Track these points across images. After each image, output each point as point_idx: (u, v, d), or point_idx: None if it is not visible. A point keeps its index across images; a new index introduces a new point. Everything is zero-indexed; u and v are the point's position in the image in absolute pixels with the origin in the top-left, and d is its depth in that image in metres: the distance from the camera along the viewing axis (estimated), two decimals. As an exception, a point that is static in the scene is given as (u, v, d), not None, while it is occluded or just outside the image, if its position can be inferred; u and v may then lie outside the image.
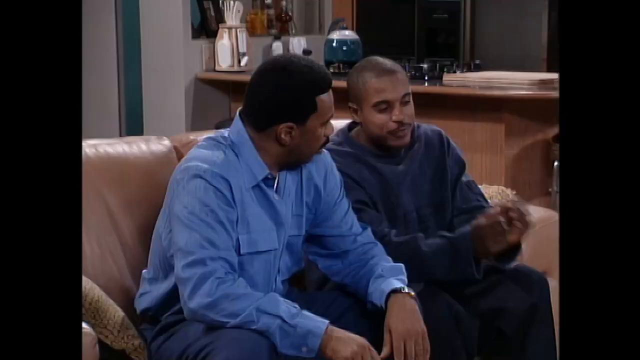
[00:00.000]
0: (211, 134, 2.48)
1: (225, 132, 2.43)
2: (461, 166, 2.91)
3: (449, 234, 2.73)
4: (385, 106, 2.71)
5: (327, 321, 2.25)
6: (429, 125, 2.91)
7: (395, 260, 2.54)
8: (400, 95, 2.71)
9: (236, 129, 2.41)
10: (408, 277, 2.51)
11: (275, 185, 2.44)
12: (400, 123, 2.71)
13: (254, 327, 2.21)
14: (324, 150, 2.51)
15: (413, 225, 2.79)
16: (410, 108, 2.75)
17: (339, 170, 2.67)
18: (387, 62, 2.76)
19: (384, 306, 2.40)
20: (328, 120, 2.39)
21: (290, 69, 2.34)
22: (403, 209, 2.79)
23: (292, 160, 2.42)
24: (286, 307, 2.25)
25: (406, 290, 2.42)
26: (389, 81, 2.71)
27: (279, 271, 2.47)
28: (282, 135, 2.35)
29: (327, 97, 2.37)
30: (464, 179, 2.91)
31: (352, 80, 2.77)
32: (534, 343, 2.71)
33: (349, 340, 2.23)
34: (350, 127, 2.85)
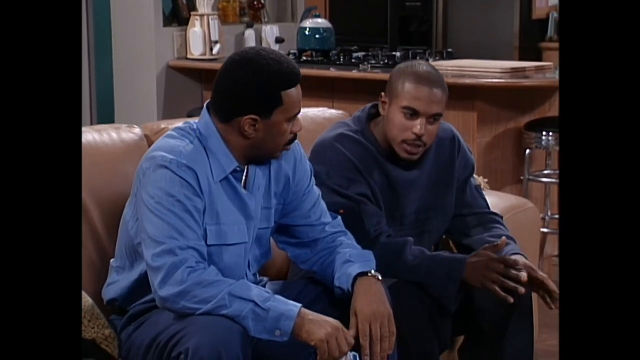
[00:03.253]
0: (182, 123, 2.47)
1: (193, 123, 2.42)
2: (470, 168, 2.88)
3: (445, 253, 2.70)
4: (412, 114, 2.66)
5: (299, 305, 2.26)
6: (441, 124, 2.83)
7: (378, 259, 2.52)
8: (431, 112, 2.65)
9: (204, 121, 2.39)
10: (386, 274, 2.50)
11: (244, 179, 2.42)
12: (418, 138, 2.66)
13: (226, 313, 2.21)
14: (295, 146, 2.48)
15: (409, 228, 2.77)
16: (435, 128, 2.69)
17: (347, 157, 2.66)
18: (435, 77, 2.69)
19: (351, 290, 2.41)
20: (295, 116, 2.37)
21: (257, 62, 2.32)
22: (402, 211, 2.77)
23: (258, 155, 2.39)
24: (258, 292, 2.25)
25: (373, 273, 2.42)
26: (428, 94, 2.64)
27: (249, 264, 2.47)
28: (246, 128, 2.33)
29: (293, 92, 2.34)
30: (473, 182, 2.88)
31: (395, 74, 2.72)
32: (512, 337, 2.70)
33: (323, 323, 2.24)
34: (369, 116, 2.79)
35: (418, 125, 2.65)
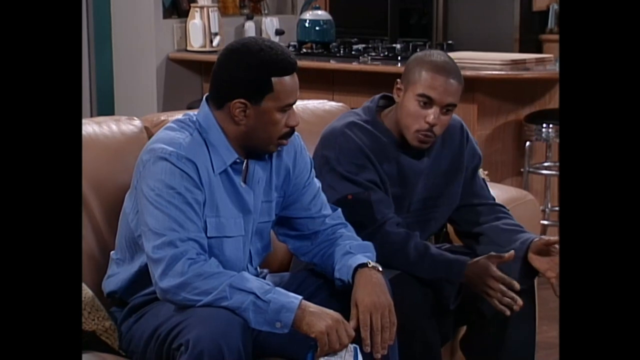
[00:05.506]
0: (181, 115, 2.47)
1: (193, 115, 2.42)
2: (477, 158, 2.89)
3: (448, 253, 2.69)
4: (426, 102, 2.65)
5: (300, 297, 2.26)
6: None
7: (381, 247, 2.53)
8: (445, 102, 2.65)
9: (203, 113, 2.39)
10: (387, 265, 2.51)
11: (244, 173, 2.42)
12: (430, 127, 2.66)
13: (226, 304, 2.21)
14: (294, 138, 2.47)
15: (415, 215, 2.78)
16: (447, 119, 2.69)
17: (357, 144, 2.67)
18: (452, 67, 2.69)
19: (351, 281, 2.41)
20: (287, 106, 2.35)
21: (249, 48, 2.33)
22: (410, 199, 2.77)
23: (252, 145, 2.38)
24: (259, 284, 2.25)
25: (372, 264, 2.42)
26: (444, 83, 2.64)
27: (250, 257, 2.47)
28: (236, 113, 2.33)
29: (286, 81, 2.33)
30: (479, 173, 2.89)
31: (412, 61, 2.72)
32: (514, 328, 2.70)
33: (324, 315, 2.24)
34: (378, 106, 2.78)
35: (431, 115, 2.65)
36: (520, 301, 2.57)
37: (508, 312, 2.57)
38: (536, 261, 2.69)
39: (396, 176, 2.73)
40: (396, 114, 2.73)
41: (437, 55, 2.73)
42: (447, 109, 2.67)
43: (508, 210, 2.90)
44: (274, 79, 2.31)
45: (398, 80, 2.73)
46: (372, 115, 2.76)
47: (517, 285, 2.58)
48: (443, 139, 2.81)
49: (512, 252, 2.64)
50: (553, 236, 4.60)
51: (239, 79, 2.32)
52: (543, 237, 2.74)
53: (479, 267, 2.60)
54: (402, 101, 2.70)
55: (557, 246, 2.68)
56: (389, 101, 2.79)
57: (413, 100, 2.66)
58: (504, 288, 2.56)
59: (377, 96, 2.82)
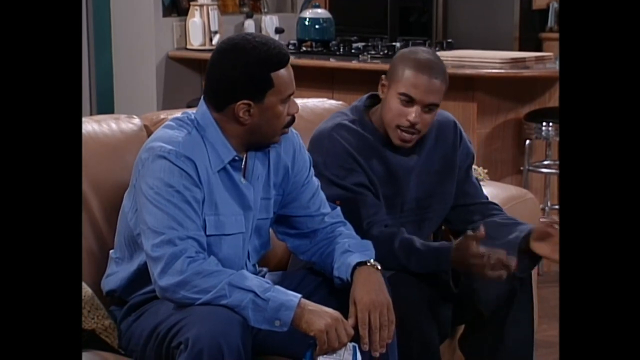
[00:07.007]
0: (180, 113, 2.47)
1: (191, 113, 2.42)
2: (470, 157, 2.88)
3: (432, 243, 2.68)
4: (408, 101, 2.65)
5: (299, 295, 2.26)
6: (441, 112, 2.84)
7: (375, 252, 2.52)
8: (427, 102, 2.65)
9: (201, 112, 2.40)
10: (387, 267, 2.50)
11: (244, 169, 2.42)
12: (412, 125, 2.66)
13: (225, 302, 2.21)
14: (291, 130, 2.48)
15: (409, 215, 2.77)
16: (430, 118, 2.68)
17: (344, 147, 2.67)
18: (436, 66, 2.68)
19: (350, 279, 2.41)
20: (288, 97, 2.36)
21: (243, 46, 2.33)
22: (402, 198, 2.77)
23: (256, 140, 2.39)
24: (258, 282, 2.25)
25: (372, 262, 2.42)
26: (426, 82, 2.63)
27: (248, 255, 2.47)
28: (241, 114, 2.34)
29: (284, 73, 2.34)
30: (472, 172, 2.89)
31: (396, 58, 2.73)
32: (512, 324, 2.70)
33: (323, 313, 2.24)
34: (366, 105, 2.79)
35: (413, 113, 2.65)
36: (513, 261, 2.54)
37: (505, 275, 2.53)
38: (539, 248, 2.67)
39: (386, 175, 2.73)
40: (380, 110, 2.73)
41: (422, 52, 2.72)
42: (429, 108, 2.66)
43: (502, 208, 2.89)
44: (272, 74, 2.32)
45: (383, 76, 2.73)
46: (360, 114, 2.77)
47: (501, 254, 2.54)
48: (436, 138, 2.81)
49: (482, 230, 2.59)
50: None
51: (239, 80, 2.32)
52: (542, 219, 2.73)
53: (460, 251, 2.59)
54: (385, 98, 2.71)
55: (556, 226, 2.65)
56: (377, 100, 2.79)
57: (395, 98, 2.67)
58: (488, 258, 2.54)
59: (365, 95, 2.82)
